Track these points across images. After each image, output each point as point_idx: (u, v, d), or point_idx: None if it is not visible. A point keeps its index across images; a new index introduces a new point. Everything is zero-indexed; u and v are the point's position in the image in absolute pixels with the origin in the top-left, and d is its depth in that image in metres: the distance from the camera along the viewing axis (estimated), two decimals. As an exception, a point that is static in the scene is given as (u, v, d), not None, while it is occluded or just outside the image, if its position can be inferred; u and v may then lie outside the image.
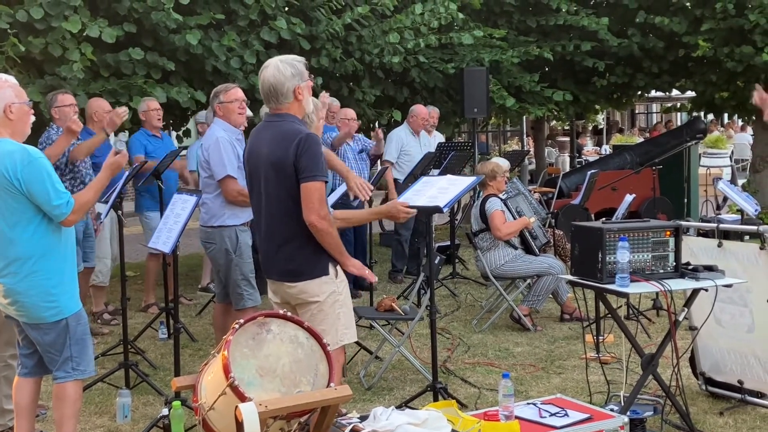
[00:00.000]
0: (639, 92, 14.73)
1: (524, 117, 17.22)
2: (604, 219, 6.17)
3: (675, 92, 16.42)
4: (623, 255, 4.43)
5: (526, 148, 20.09)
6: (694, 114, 14.75)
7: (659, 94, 16.93)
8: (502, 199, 7.53)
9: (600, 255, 4.56)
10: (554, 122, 21.09)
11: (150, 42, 9.05)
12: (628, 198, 7.49)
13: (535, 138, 17.88)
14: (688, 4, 12.63)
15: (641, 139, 23.81)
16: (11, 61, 7.68)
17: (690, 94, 15.50)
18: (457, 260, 10.20)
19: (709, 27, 12.32)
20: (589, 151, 24.34)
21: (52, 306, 4.42)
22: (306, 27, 10.01)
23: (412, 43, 11.02)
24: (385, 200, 9.99)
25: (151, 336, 7.50)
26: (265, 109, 7.48)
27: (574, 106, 14.32)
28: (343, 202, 8.10)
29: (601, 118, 25.95)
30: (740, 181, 17.57)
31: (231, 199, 5.80)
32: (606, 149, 24.24)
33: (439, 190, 5.19)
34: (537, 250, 7.54)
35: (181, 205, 5.09)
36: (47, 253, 4.39)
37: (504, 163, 8.37)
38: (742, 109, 13.78)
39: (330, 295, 4.34)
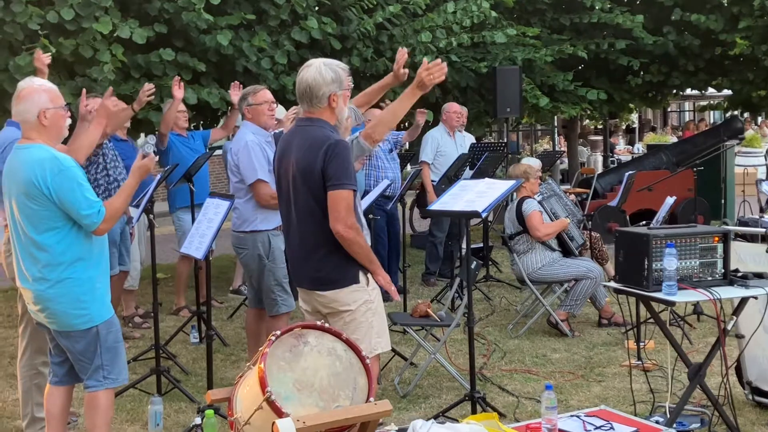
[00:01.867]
0: (674, 91, 14.49)
1: (556, 116, 17.01)
2: (645, 222, 6.03)
3: (709, 90, 16.15)
4: (671, 262, 4.28)
5: (557, 148, 19.88)
6: (731, 113, 14.49)
7: (692, 92, 16.67)
8: (537, 201, 7.39)
9: (646, 262, 4.40)
10: (587, 121, 20.83)
11: (180, 43, 8.98)
12: (669, 200, 7.31)
13: (568, 137, 17.66)
14: (724, 1, 12.38)
15: (674, 138, 23.54)
16: (42, 62, 7.62)
17: (726, 92, 15.25)
18: (490, 262, 10.06)
19: (746, 24, 12.10)
20: (622, 150, 24.09)
21: (82, 314, 4.33)
22: (337, 26, 9.90)
23: (444, 42, 10.88)
24: (421, 201, 9.91)
25: (182, 340, 7.41)
26: (283, 111, 7.52)
27: (608, 105, 14.12)
28: (378, 205, 8.01)
29: (634, 116, 25.65)
30: (776, 181, 17.31)
31: (263, 203, 5.70)
32: (639, 148, 23.98)
33: (476, 195, 5.07)
34: (576, 252, 7.37)
35: (213, 210, 5.00)
36: (78, 260, 4.31)
37: (536, 164, 8.22)
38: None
39: (362, 303, 4.23)
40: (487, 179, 5.21)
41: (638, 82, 13.48)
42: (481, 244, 10.12)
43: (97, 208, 4.26)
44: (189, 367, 6.69)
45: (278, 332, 3.42)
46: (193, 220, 7.59)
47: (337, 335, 3.52)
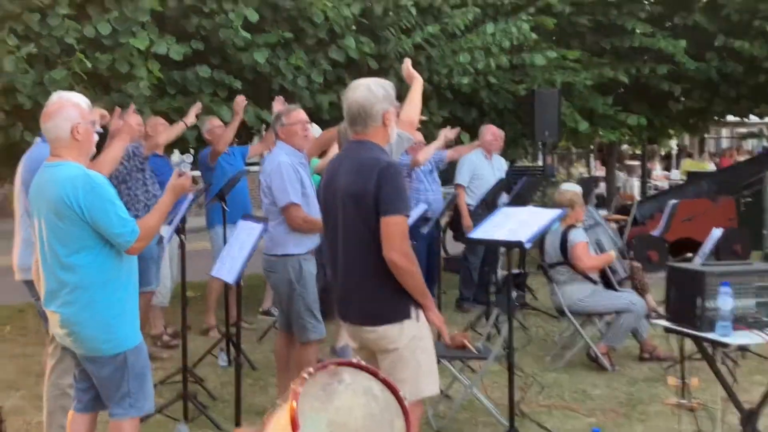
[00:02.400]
0: (716, 117, 14.22)
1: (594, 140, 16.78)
2: (690, 255, 5.80)
3: (750, 117, 15.86)
4: (726, 302, 4.06)
5: (594, 172, 19.62)
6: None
7: (731, 118, 16.39)
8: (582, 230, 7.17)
9: (699, 300, 4.19)
10: (624, 146, 20.55)
11: (217, 60, 8.89)
12: (716, 233, 7.04)
13: (606, 162, 17.37)
14: (768, 26, 12.11)
15: (712, 165, 23.19)
16: (77, 77, 7.55)
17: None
18: (526, 289, 9.83)
19: (793, 52, 11.83)
20: (659, 176, 23.75)
21: (110, 338, 4.18)
22: (374, 46, 9.76)
23: (482, 63, 10.70)
24: (455, 225, 9.70)
25: (210, 363, 7.26)
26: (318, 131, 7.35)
27: (648, 131, 13.86)
28: (415, 227, 7.81)
29: (673, 143, 25.32)
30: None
31: (295, 227, 5.55)
32: (676, 174, 23.64)
33: (519, 223, 4.87)
34: (617, 285, 7.13)
35: (246, 233, 4.84)
36: (108, 282, 4.17)
37: (578, 190, 8.01)
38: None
39: (411, 340, 4.00)
40: (530, 207, 5.02)
41: (679, 108, 13.23)
42: (518, 270, 9.88)
43: (130, 227, 4.12)
44: (217, 392, 6.53)
45: (311, 369, 3.23)
46: (225, 239, 7.46)
47: (374, 374, 3.32)
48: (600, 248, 7.26)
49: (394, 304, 3.99)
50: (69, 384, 4.81)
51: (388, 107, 4.04)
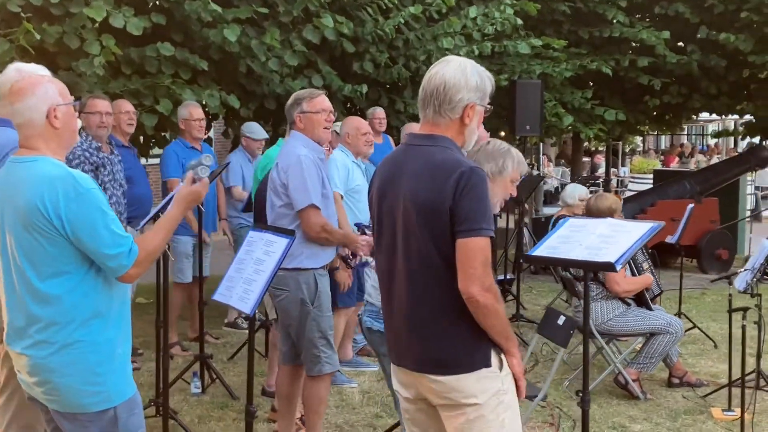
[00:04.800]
0: (693, 114, 13.60)
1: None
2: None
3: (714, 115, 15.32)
4: None
5: (543, 169, 18.90)
6: (749, 140, 13.65)
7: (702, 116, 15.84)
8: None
9: None
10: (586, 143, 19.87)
11: (179, 37, 7.80)
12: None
13: (572, 159, 16.58)
14: (757, 18, 11.47)
15: (658, 162, 22.76)
16: (23, 51, 6.38)
17: (736, 116, 14.40)
18: (511, 297, 8.98)
19: (781, 46, 11.22)
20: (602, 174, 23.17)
21: (97, 390, 3.16)
22: (353, 27, 8.77)
23: (465, 49, 9.79)
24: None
25: (180, 389, 6.20)
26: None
27: (620, 126, 13.14)
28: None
29: (639, 140, 24.84)
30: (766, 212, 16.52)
31: (313, 235, 4.57)
32: (625, 171, 23.14)
33: (600, 240, 3.96)
34: (650, 303, 6.28)
35: (263, 248, 3.82)
36: (94, 317, 3.15)
37: (584, 192, 7.19)
38: (806, 137, 12.68)
39: (493, 395, 3.07)
40: (609, 219, 4.11)
41: (656, 103, 12.53)
42: (507, 276, 9.03)
43: (127, 246, 3.10)
44: (194, 428, 5.50)
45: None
46: (200, 246, 6.44)
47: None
48: (635, 264, 6.36)
49: (472, 348, 3.06)
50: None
51: (475, 100, 3.10)
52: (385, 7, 9.17)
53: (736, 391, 5.97)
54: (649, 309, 6.20)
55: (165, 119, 7.63)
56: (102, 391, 3.17)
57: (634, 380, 6.19)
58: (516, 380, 3.13)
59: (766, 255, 5.87)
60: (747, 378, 6.09)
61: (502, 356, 3.08)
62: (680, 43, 12.36)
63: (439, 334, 3.05)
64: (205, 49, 7.89)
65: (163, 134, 8.66)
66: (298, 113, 4.74)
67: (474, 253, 2.93)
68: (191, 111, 7.37)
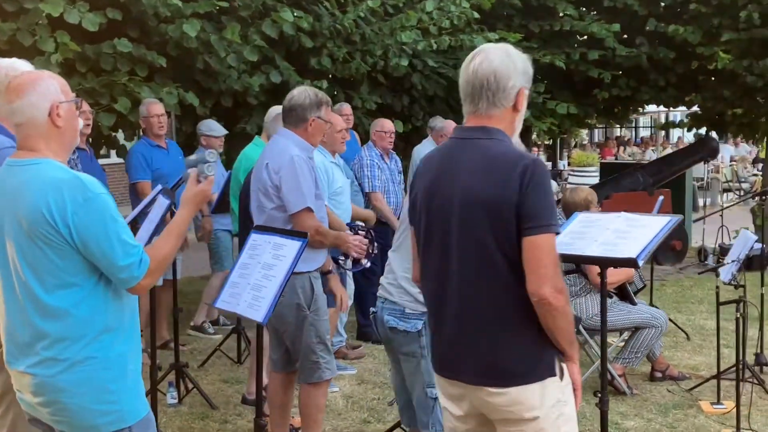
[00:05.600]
0: (641, 106, 13.68)
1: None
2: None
3: (660, 107, 15.42)
4: None
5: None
6: (696, 131, 13.79)
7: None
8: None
9: None
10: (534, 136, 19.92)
11: (135, 33, 7.48)
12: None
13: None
14: (705, 10, 11.55)
15: (596, 156, 22.95)
16: (-24, 49, 6.04)
17: (682, 108, 14.53)
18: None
19: (729, 37, 11.30)
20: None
21: (110, 409, 2.94)
22: (312, 21, 8.56)
23: (422, 44, 9.66)
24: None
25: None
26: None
27: (570, 120, 13.13)
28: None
29: (585, 133, 25.01)
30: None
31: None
32: (564, 165, 23.29)
33: (616, 235, 3.84)
34: (633, 297, 6.20)
35: (271, 252, 3.61)
36: (105, 331, 2.93)
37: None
38: (753, 128, 12.82)
39: (553, 405, 2.88)
40: (624, 213, 3.99)
41: (605, 95, 12.56)
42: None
43: (137, 256, 2.88)
44: (176, 441, 5.26)
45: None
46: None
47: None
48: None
49: (534, 357, 2.87)
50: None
51: (525, 85, 2.95)
52: (343, 1, 8.99)
53: (722, 384, 5.97)
54: (633, 303, 6.13)
55: (123, 118, 7.33)
56: (116, 410, 2.95)
57: (620, 375, 6.12)
58: (574, 389, 2.97)
59: (750, 246, 5.85)
60: (731, 370, 6.10)
61: (563, 364, 2.92)
62: (625, 36, 12.37)
63: (501, 341, 2.86)
64: (163, 45, 7.60)
65: (114, 135, 8.36)
66: (316, 116, 4.49)
67: (544, 252, 2.77)
68: (149, 108, 7.10)
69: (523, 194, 2.75)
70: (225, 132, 7.96)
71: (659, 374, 6.44)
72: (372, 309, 4.12)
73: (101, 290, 2.91)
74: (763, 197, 7.14)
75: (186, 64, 7.97)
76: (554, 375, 2.87)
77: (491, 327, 2.86)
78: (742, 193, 23.16)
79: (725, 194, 22.57)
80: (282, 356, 4.65)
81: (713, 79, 12.19)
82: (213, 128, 7.87)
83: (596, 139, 31.46)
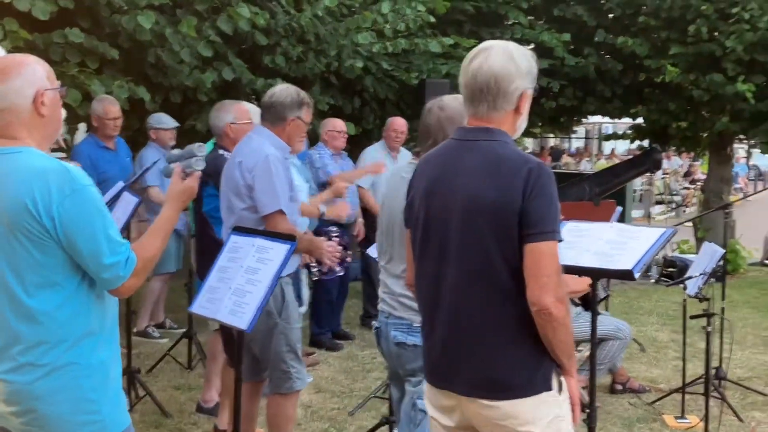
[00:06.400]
0: (586, 117, 13.74)
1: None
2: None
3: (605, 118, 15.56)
4: None
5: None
6: (638, 143, 13.89)
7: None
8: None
9: None
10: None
11: (87, 23, 7.18)
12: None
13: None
14: (653, 23, 11.64)
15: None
16: None
17: (626, 120, 14.61)
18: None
19: (677, 51, 11.41)
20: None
21: (90, 420, 2.75)
22: (268, 18, 8.34)
23: (378, 46, 9.51)
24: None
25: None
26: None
27: (515, 128, 13.09)
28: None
29: (529, 142, 25.07)
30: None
31: None
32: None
33: (610, 245, 3.76)
34: (597, 310, 6.11)
35: (255, 256, 3.41)
36: (87, 335, 2.73)
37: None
38: (695, 141, 12.97)
39: (551, 420, 2.77)
40: (616, 223, 3.90)
41: (551, 105, 12.57)
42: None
43: (124, 255, 2.68)
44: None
45: None
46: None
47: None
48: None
49: (531, 369, 2.76)
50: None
51: (528, 86, 2.82)
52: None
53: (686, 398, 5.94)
54: (597, 313, 6.04)
55: (71, 111, 7.02)
56: (97, 420, 2.76)
57: (583, 388, 6.02)
58: (572, 405, 2.85)
59: (717, 260, 5.83)
60: (696, 383, 6.09)
61: (562, 378, 2.80)
62: (573, 47, 12.40)
63: (496, 352, 2.74)
64: (114, 36, 7.32)
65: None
66: (296, 116, 4.30)
67: (547, 259, 2.65)
68: (107, 108, 6.85)
69: (527, 199, 2.64)
70: (176, 125, 7.71)
71: (620, 386, 6.39)
72: (374, 323, 3.93)
73: (84, 291, 2.71)
74: (727, 209, 7.12)
75: (137, 57, 7.69)
76: (551, 389, 2.76)
77: (488, 336, 2.74)
78: (674, 205, 23.57)
79: (657, 206, 22.92)
80: (249, 364, 4.43)
81: (658, 91, 12.26)
82: (163, 121, 7.64)
83: (530, 150, 31.64)
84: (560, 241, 2.71)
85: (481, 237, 2.70)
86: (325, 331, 7.51)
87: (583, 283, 5.74)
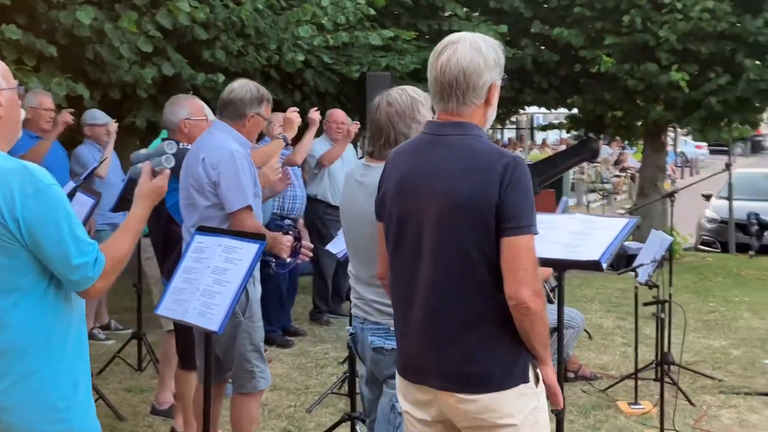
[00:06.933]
0: (523, 108, 13.85)
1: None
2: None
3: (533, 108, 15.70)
4: None
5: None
6: (574, 132, 14.07)
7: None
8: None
9: None
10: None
11: (23, 19, 6.99)
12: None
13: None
14: (588, 14, 11.79)
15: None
16: None
17: (562, 110, 14.80)
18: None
19: (612, 41, 11.58)
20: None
21: (59, 429, 2.67)
22: (208, 12, 8.23)
23: (318, 39, 9.45)
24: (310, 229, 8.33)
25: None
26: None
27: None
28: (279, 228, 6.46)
29: None
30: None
31: None
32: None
33: (575, 237, 3.78)
34: (551, 297, 6.19)
35: (222, 256, 3.34)
36: (53, 342, 2.64)
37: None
38: (630, 130, 13.18)
39: (529, 413, 2.76)
40: (579, 215, 3.92)
41: (488, 96, 12.62)
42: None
43: (92, 255, 2.61)
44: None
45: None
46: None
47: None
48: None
49: (508, 362, 2.74)
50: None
51: (496, 78, 2.81)
52: (234, -10, 8.70)
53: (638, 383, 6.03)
54: (551, 302, 6.10)
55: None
56: (65, 429, 2.67)
57: (537, 377, 6.08)
58: (553, 391, 2.85)
59: (666, 248, 5.92)
60: (647, 369, 6.19)
61: (538, 370, 2.80)
62: (508, 39, 12.48)
63: (475, 346, 2.72)
64: (52, 33, 7.14)
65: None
66: (256, 113, 4.24)
67: (524, 253, 2.64)
68: (41, 100, 6.65)
69: (504, 194, 2.62)
70: (109, 120, 7.50)
71: (572, 374, 6.45)
72: (348, 329, 3.86)
73: (51, 296, 2.63)
74: (672, 197, 7.23)
75: (75, 53, 7.51)
76: (528, 381, 2.75)
77: (466, 331, 2.72)
78: (605, 193, 23.93)
79: (590, 194, 23.27)
80: (211, 365, 4.35)
81: (594, 81, 12.42)
82: (96, 116, 7.49)
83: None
84: (536, 234, 2.71)
85: (458, 233, 2.68)
86: (275, 328, 7.44)
87: (544, 273, 5.81)
